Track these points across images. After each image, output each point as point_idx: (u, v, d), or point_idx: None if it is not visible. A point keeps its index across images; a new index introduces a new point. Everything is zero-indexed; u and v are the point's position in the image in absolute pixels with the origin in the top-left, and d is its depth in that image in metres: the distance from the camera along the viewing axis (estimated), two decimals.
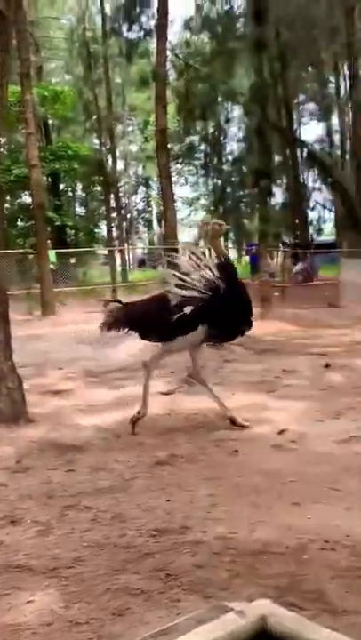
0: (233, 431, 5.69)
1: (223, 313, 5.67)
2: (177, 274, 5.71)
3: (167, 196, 18.44)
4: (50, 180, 33.39)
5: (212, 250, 5.87)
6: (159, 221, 52.15)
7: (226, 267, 5.75)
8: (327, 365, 8.61)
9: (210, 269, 5.72)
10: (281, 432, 5.62)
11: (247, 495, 4.13)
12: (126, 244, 47.60)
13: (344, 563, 3.17)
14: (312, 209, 42.70)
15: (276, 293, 19.25)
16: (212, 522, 3.71)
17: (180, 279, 5.68)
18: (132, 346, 10.46)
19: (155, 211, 56.11)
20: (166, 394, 7.26)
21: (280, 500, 4.02)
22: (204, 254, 5.89)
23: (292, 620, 1.69)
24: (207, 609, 2.26)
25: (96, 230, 38.27)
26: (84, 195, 43.15)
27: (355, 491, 4.15)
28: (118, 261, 34.79)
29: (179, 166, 48.44)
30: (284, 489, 4.22)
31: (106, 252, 31.72)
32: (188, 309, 5.58)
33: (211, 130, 39.49)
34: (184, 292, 5.62)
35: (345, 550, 3.30)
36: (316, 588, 2.93)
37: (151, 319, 5.86)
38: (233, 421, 5.79)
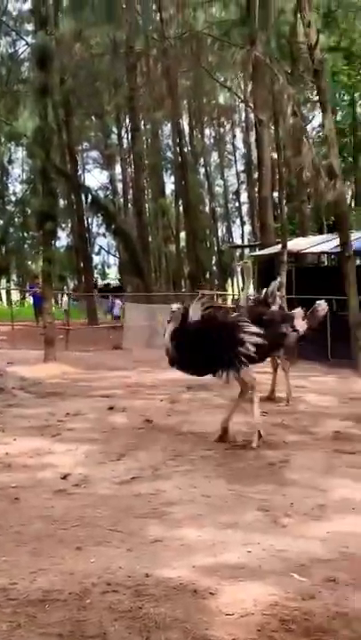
0: (14, 478, 5.53)
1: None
2: None
3: None
4: None
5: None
6: None
7: None
8: (110, 408, 8.73)
9: None
10: (64, 477, 5.58)
11: (28, 543, 4.04)
12: None
13: (126, 604, 3.21)
14: (97, 253, 43.74)
15: (61, 336, 19.18)
16: None
17: None
18: None
19: None
20: None
21: (62, 546, 3.98)
22: None
23: None
24: None
25: None
26: None
27: (135, 531, 4.23)
28: None
29: None
30: (67, 534, 4.19)
31: None
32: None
33: None
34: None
35: (127, 591, 3.35)
36: (98, 632, 2.94)
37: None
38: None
